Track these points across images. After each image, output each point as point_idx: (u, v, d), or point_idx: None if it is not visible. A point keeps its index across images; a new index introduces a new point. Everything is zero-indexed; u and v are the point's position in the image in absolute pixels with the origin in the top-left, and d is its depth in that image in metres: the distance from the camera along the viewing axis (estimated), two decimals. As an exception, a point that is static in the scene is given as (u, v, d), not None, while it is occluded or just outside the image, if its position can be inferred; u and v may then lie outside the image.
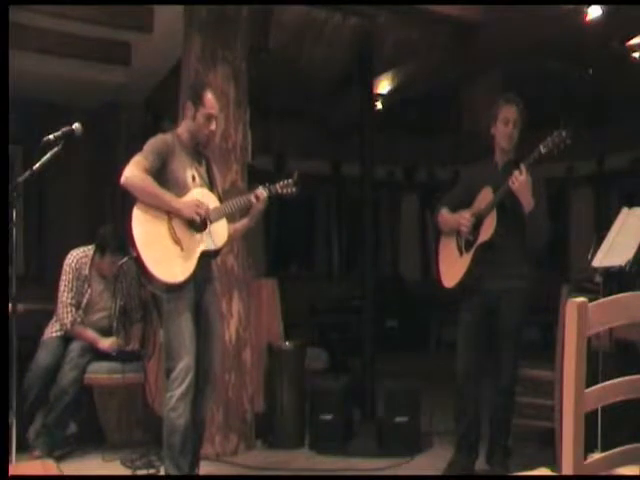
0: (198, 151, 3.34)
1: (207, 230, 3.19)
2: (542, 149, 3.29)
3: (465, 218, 3.56)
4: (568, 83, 6.95)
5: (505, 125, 3.55)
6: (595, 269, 3.47)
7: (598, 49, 5.66)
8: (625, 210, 3.57)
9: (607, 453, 1.67)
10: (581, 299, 1.54)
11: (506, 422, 3.63)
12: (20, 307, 3.27)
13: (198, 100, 3.25)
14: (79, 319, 4.17)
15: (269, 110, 6.72)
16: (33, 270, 6.07)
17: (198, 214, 3.13)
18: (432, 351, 8.35)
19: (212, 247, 3.22)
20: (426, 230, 9.25)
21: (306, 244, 8.94)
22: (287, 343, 4.52)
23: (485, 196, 3.55)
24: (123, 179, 3.06)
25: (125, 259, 4.06)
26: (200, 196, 3.21)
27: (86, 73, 5.63)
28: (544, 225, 3.48)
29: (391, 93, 6.60)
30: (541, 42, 5.08)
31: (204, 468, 3.47)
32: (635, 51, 5.48)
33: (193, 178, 3.23)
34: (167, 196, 3.11)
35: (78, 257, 4.24)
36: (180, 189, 3.16)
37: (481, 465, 3.66)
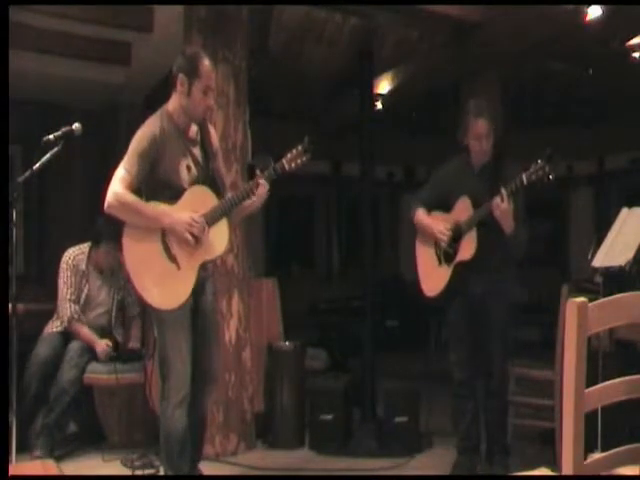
0: (192, 127, 3.04)
1: (205, 237, 2.93)
2: (524, 179, 3.17)
3: (443, 232, 3.49)
4: (568, 83, 6.95)
5: (478, 141, 3.45)
6: (595, 269, 3.47)
7: (598, 49, 5.65)
8: (625, 210, 3.57)
9: (607, 453, 1.67)
10: (581, 299, 1.54)
11: (502, 422, 3.62)
12: (20, 307, 3.28)
13: (194, 72, 2.91)
14: (76, 315, 4.18)
15: (269, 110, 6.72)
16: (33, 270, 6.07)
17: (191, 233, 2.88)
18: (432, 351, 8.34)
19: (211, 257, 3.01)
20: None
21: (306, 244, 8.94)
22: (287, 343, 4.52)
23: (463, 208, 3.47)
24: (106, 206, 2.85)
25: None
26: (194, 202, 2.94)
27: (86, 73, 5.62)
28: (523, 238, 3.43)
29: (391, 93, 6.60)
30: (541, 42, 5.08)
31: (204, 468, 3.46)
32: (635, 51, 5.48)
33: (188, 169, 2.96)
34: (157, 215, 2.88)
35: (74, 254, 4.28)
36: (174, 189, 2.94)
37: (481, 465, 3.66)
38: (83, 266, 4.28)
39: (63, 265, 4.26)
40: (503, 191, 3.21)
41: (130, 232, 2.91)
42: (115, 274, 4.33)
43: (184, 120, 3.01)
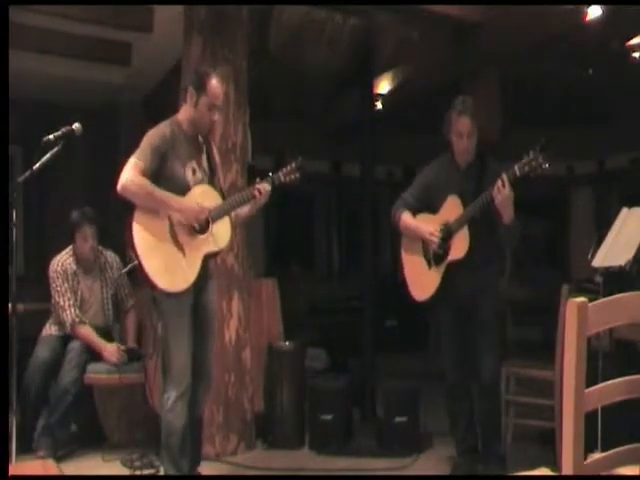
0: (198, 139, 3.24)
1: (209, 231, 3.12)
2: (517, 171, 3.10)
3: (433, 235, 3.43)
4: (568, 83, 6.95)
5: (460, 138, 3.42)
6: (595, 269, 3.47)
7: (598, 49, 5.65)
8: (625, 210, 3.57)
9: (607, 453, 1.67)
10: (581, 299, 1.54)
11: (495, 425, 3.55)
12: (20, 307, 3.28)
13: (201, 87, 3.10)
14: (78, 319, 4.17)
15: (269, 110, 6.72)
16: (33, 270, 6.07)
17: (198, 221, 3.06)
18: (431, 351, 8.34)
19: (215, 249, 3.17)
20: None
21: (306, 244, 8.94)
22: (287, 343, 4.52)
23: (452, 207, 3.42)
24: (119, 187, 2.96)
25: (128, 267, 4.16)
26: (200, 196, 3.12)
27: (86, 73, 5.62)
28: (518, 230, 3.36)
29: (391, 93, 6.60)
30: (541, 42, 5.07)
31: (204, 468, 3.47)
32: (635, 51, 5.47)
33: (193, 171, 3.13)
34: (167, 199, 3.02)
35: (62, 260, 4.25)
36: (180, 186, 3.08)
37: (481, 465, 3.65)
38: (74, 267, 4.24)
39: (52, 274, 4.20)
40: (504, 176, 3.13)
41: (139, 218, 3.02)
42: (102, 270, 4.34)
43: (191, 130, 3.18)
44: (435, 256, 3.49)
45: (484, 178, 3.35)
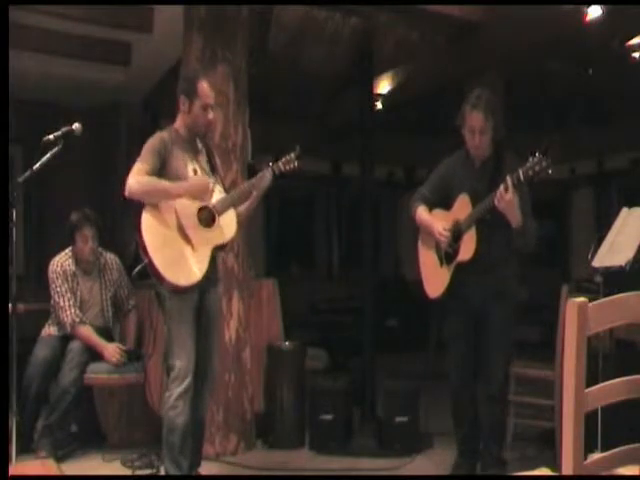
0: (197, 142, 3.31)
1: (216, 223, 3.18)
2: (521, 175, 3.01)
3: (443, 234, 3.37)
4: (568, 83, 6.95)
5: (472, 134, 3.32)
6: (595, 269, 3.47)
7: (598, 49, 5.65)
8: (625, 210, 3.57)
9: (607, 453, 1.67)
10: (581, 299, 1.54)
11: (498, 431, 3.50)
12: (20, 307, 3.29)
13: (192, 92, 3.19)
14: (78, 319, 4.16)
15: (269, 110, 6.72)
16: (33, 270, 6.07)
17: (206, 191, 3.12)
18: (432, 351, 8.34)
19: (222, 241, 3.22)
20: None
21: (306, 244, 8.94)
22: (287, 343, 4.52)
23: (462, 205, 3.36)
24: (127, 191, 3.03)
25: (138, 268, 4.19)
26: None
27: (86, 73, 5.63)
28: (532, 232, 3.28)
29: (391, 93, 6.60)
30: (541, 42, 5.07)
31: (204, 468, 3.48)
32: (635, 51, 5.47)
33: (195, 172, 3.21)
34: (172, 186, 3.08)
35: (61, 261, 4.24)
36: None
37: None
38: (72, 268, 4.23)
39: (51, 275, 4.18)
40: (508, 180, 3.03)
41: (147, 216, 3.07)
42: (101, 271, 4.34)
43: (189, 135, 3.26)
44: (446, 255, 3.44)
45: (498, 177, 3.22)
